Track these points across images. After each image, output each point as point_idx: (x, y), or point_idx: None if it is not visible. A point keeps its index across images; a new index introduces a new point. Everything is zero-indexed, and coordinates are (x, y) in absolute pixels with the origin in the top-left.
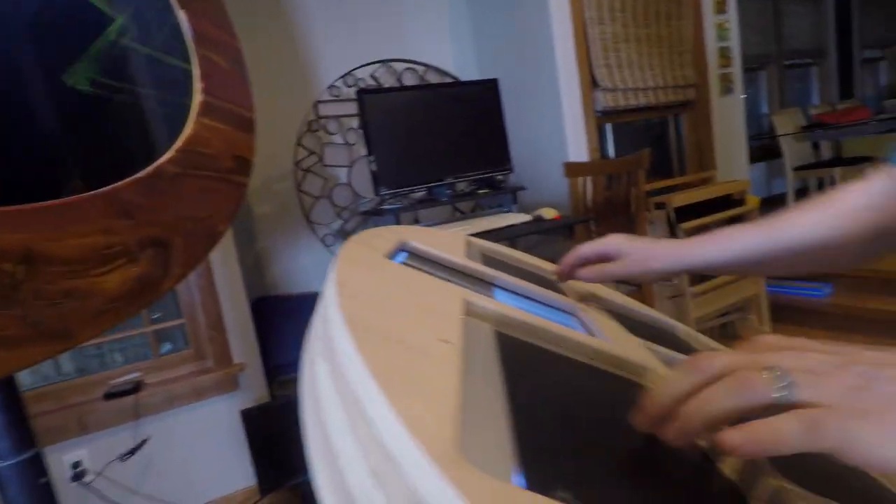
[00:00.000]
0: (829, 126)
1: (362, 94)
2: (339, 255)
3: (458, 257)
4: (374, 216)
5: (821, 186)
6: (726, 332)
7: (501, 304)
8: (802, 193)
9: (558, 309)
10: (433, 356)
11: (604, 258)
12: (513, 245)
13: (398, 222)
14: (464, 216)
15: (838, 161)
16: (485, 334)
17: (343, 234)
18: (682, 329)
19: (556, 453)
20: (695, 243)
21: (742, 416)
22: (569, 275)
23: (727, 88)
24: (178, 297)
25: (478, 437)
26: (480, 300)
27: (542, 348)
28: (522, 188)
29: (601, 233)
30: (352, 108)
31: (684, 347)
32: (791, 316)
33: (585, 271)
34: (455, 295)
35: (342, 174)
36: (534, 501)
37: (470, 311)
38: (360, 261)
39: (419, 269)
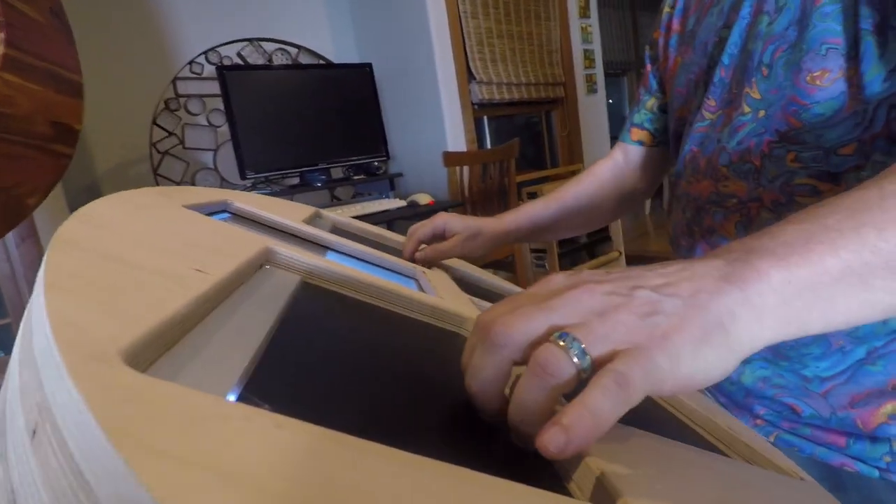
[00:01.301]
0: None
1: (223, 70)
2: (110, 196)
3: (293, 221)
4: None
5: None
6: None
7: (318, 258)
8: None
9: (398, 273)
10: (165, 278)
11: (437, 236)
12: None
13: None
14: (341, 202)
15: None
16: (282, 282)
17: None
18: None
19: (294, 384)
20: (502, 218)
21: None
22: (412, 257)
23: (592, 89)
24: (3, 295)
25: (178, 356)
26: (291, 252)
27: (349, 299)
28: (400, 175)
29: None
30: (216, 87)
31: None
32: None
33: (420, 254)
34: (258, 244)
35: (207, 158)
36: (181, 394)
37: (272, 261)
38: (138, 202)
39: (228, 223)
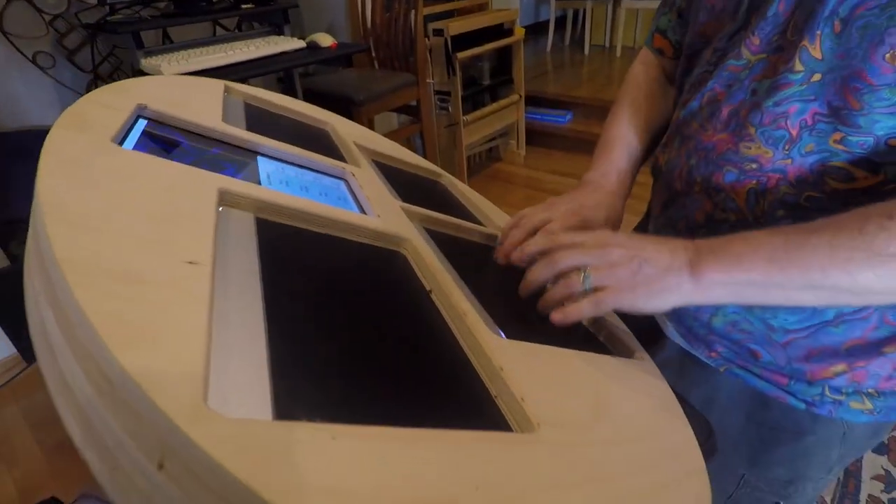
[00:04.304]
0: None
1: None
2: (44, 150)
3: (213, 121)
4: (103, 32)
5: (575, 17)
6: (491, 155)
7: (262, 189)
8: (561, 22)
9: (328, 174)
10: (174, 289)
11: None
12: (288, 74)
13: (139, 42)
14: (228, 36)
15: None
16: (243, 227)
17: (65, 53)
18: (448, 179)
19: (310, 362)
20: (610, 182)
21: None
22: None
23: None
24: None
25: (229, 377)
26: (237, 186)
27: (305, 233)
28: (295, 5)
29: (382, 61)
30: None
31: (445, 201)
32: (540, 140)
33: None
34: (207, 185)
35: None
36: (276, 433)
37: (226, 202)
38: (75, 159)
39: (159, 155)
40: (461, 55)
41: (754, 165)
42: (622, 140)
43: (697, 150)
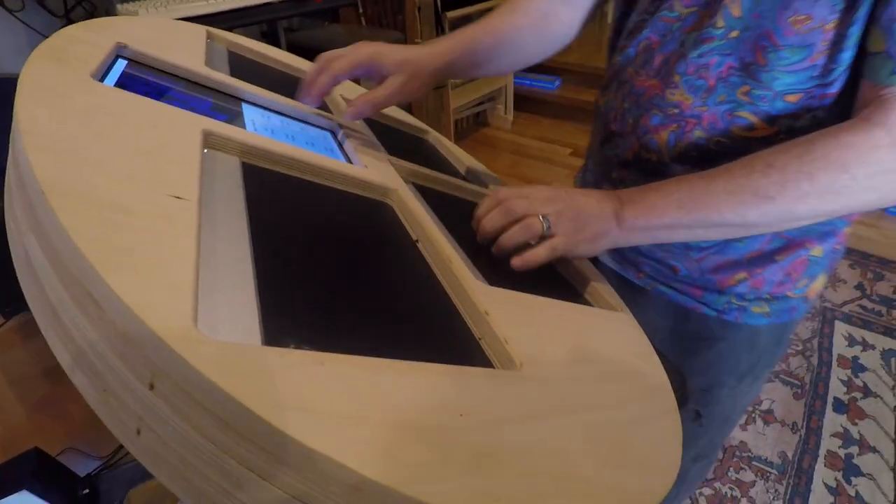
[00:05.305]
0: None
1: None
2: (22, 80)
3: (196, 65)
4: None
5: None
6: (478, 119)
7: (248, 133)
8: None
9: (315, 125)
10: (161, 219)
11: (360, 72)
12: (271, 28)
13: None
14: None
15: None
16: (229, 171)
17: None
18: (434, 136)
19: (298, 296)
20: (437, 46)
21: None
22: (320, 98)
23: None
24: None
25: (218, 306)
26: (222, 129)
27: (292, 180)
28: None
29: (370, 17)
30: None
31: (432, 157)
32: (528, 105)
33: (352, 109)
34: (191, 126)
35: None
36: (267, 356)
37: (210, 144)
38: (55, 90)
39: (142, 93)
40: (451, 14)
41: (676, 111)
42: (464, 42)
43: (630, 95)
